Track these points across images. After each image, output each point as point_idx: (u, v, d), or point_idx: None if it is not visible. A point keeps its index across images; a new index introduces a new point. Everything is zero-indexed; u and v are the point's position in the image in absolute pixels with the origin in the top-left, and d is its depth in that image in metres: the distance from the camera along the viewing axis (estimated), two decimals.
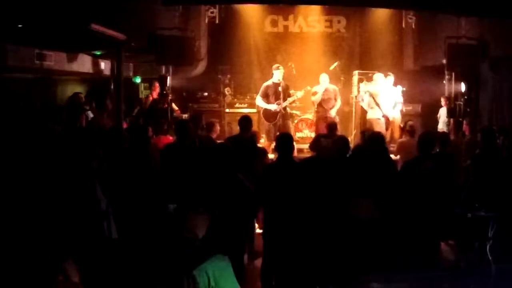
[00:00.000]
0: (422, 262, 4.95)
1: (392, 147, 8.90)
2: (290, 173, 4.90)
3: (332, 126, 7.86)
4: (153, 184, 5.15)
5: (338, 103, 10.39)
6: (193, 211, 2.90)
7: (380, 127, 9.73)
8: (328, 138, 7.38)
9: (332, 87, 10.40)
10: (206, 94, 12.15)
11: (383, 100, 10.11)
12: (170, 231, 3.90)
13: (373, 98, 10.14)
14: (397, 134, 9.98)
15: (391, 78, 10.26)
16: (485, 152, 6.19)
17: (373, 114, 10.15)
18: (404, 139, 8.50)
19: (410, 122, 8.80)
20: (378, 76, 10.26)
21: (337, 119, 9.88)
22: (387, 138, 9.19)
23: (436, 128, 10.63)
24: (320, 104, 10.34)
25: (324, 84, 10.31)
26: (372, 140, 5.79)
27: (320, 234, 4.25)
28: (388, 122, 10.07)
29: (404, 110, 10.60)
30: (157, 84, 10.67)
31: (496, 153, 6.31)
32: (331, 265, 2.46)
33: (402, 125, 9.70)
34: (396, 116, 10.30)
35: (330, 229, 3.31)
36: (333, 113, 10.22)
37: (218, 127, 7.42)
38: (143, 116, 10.31)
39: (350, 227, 3.40)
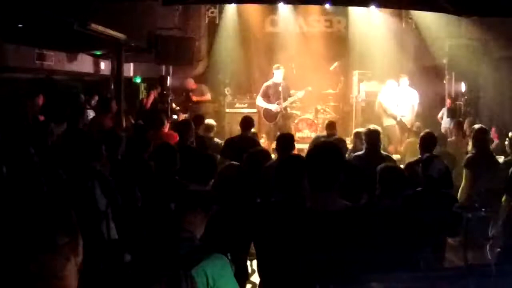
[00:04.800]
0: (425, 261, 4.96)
1: None
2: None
3: (331, 125, 7.86)
4: (151, 184, 5.15)
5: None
6: (191, 210, 2.88)
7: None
8: (328, 137, 7.37)
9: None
10: None
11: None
12: (168, 230, 3.89)
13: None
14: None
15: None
16: (479, 152, 6.19)
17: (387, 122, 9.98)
18: (411, 139, 8.56)
19: (417, 123, 8.93)
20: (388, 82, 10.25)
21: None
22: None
23: (436, 128, 10.61)
24: None
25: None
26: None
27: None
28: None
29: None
30: (157, 84, 10.68)
31: (489, 151, 6.30)
32: (331, 264, 2.45)
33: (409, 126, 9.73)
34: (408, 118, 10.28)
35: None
36: None
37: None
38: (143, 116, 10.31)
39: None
